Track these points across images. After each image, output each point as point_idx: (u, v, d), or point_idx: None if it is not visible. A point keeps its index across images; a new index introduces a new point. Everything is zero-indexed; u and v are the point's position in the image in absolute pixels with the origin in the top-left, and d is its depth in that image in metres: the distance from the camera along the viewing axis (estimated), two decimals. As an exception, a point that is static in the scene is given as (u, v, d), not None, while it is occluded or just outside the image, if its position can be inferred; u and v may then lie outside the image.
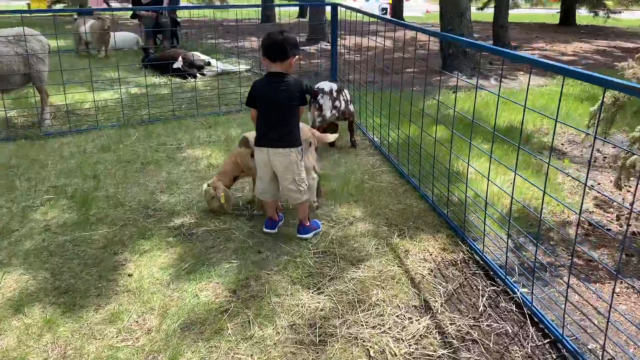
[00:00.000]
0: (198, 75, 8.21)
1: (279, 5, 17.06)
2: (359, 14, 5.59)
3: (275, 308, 2.66)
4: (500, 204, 3.84)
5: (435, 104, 6.55)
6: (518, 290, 2.80)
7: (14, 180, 4.20)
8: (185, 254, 3.16)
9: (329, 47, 6.87)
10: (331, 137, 3.88)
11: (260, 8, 17.47)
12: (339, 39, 6.73)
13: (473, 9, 20.40)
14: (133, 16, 12.45)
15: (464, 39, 3.38)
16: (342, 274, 2.97)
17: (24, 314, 2.61)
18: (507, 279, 2.90)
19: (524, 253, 3.27)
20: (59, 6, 21.06)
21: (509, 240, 3.31)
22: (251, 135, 3.47)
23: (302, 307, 2.68)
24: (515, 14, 21.94)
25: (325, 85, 4.76)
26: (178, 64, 8.08)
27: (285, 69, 3.15)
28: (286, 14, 20.23)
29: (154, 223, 3.55)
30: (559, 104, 2.44)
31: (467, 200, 3.60)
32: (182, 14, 18.37)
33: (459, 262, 3.16)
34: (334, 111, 4.73)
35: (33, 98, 5.77)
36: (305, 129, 3.55)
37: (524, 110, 2.61)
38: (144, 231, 3.42)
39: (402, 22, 4.47)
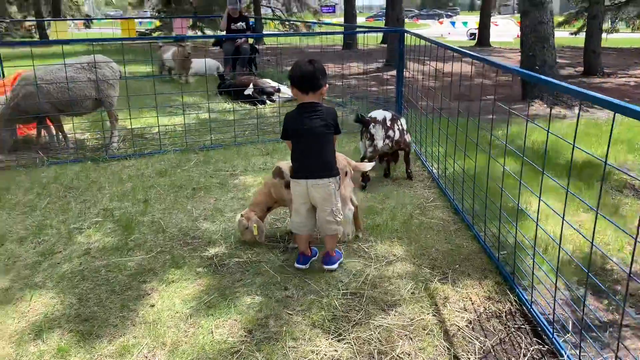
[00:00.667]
0: (267, 101, 8.30)
1: (361, 32, 17.02)
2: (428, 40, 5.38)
3: (288, 354, 2.49)
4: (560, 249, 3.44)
5: (504, 135, 6.15)
6: (565, 353, 2.44)
7: (70, 202, 4.35)
8: (212, 286, 3.07)
9: (406, 74, 6.68)
10: (368, 165, 3.68)
11: (342, 35, 17.61)
12: (407, 65, 6.54)
13: (565, 34, 19.42)
14: (215, 43, 12.99)
15: (514, 67, 3.08)
16: (368, 320, 2.75)
17: (42, 340, 2.61)
18: (555, 338, 2.55)
19: (584, 307, 2.88)
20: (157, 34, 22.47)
21: (566, 293, 2.95)
22: (285, 165, 3.38)
23: (317, 354, 2.48)
24: (614, 39, 20.61)
25: (378, 114, 4.58)
26: (249, 90, 8.22)
27: (317, 98, 3.06)
28: (371, 40, 20.26)
29: (189, 252, 3.50)
30: (608, 147, 2.11)
31: (523, 243, 3.26)
32: (268, 40, 18.94)
33: (503, 314, 2.83)
34: (387, 141, 4.52)
35: (101, 122, 6.04)
36: (341, 158, 3.40)
37: (572, 150, 2.30)
38: (177, 260, 3.38)
39: (460, 49, 4.20)
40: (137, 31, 24.51)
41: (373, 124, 4.46)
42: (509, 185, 4.64)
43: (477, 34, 22.13)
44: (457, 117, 4.44)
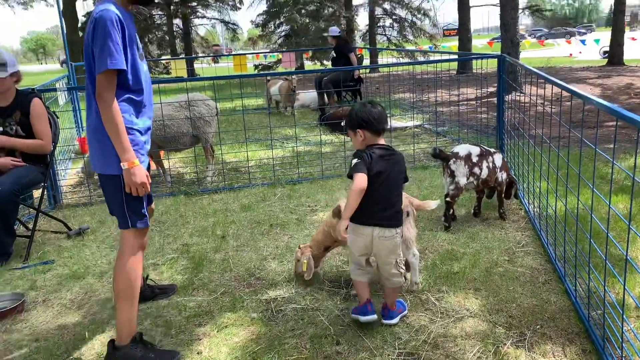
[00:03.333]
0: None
1: (458, 59, 16.29)
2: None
3: (321, 421, 2.26)
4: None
5: (627, 167, 5.42)
6: None
7: (155, 236, 4.50)
8: (262, 334, 2.94)
9: (521, 98, 6.21)
10: (432, 204, 3.37)
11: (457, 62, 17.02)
12: (515, 92, 6.07)
13: None
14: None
15: (608, 105, 2.58)
16: (420, 387, 2.44)
17: (90, 382, 2.64)
18: None
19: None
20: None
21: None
22: (344, 203, 3.21)
23: None
24: None
25: (462, 149, 4.22)
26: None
27: (384, 141, 2.95)
28: (488, 63, 19.36)
29: (249, 294, 3.42)
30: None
31: (620, 303, 2.75)
32: (383, 68, 18.90)
33: (587, 393, 2.37)
34: (471, 179, 4.15)
35: (192, 156, 6.28)
36: (402, 197, 3.16)
37: (632, 189, 1.86)
38: (236, 302, 3.31)
39: (548, 77, 3.71)
40: (259, 65, 25.82)
41: (454, 159, 4.12)
42: (619, 229, 4.05)
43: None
44: (552, 146, 3.96)
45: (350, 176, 2.79)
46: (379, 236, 2.83)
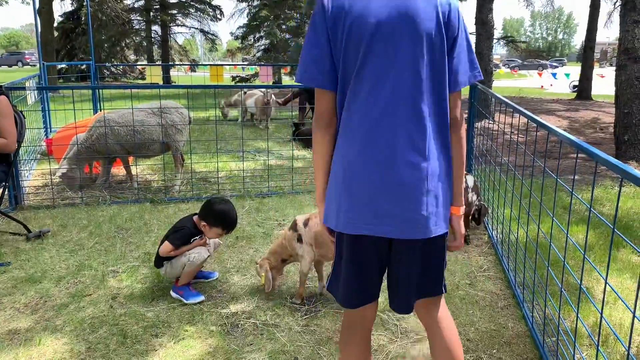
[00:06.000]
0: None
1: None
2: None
3: None
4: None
5: (588, 199, 5.58)
6: None
7: (116, 243, 4.42)
8: (219, 348, 2.90)
9: (491, 126, 6.37)
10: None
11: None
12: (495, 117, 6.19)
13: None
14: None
15: (571, 136, 2.66)
16: (375, 407, 2.44)
17: (37, 390, 2.56)
18: None
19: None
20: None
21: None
22: (301, 218, 3.32)
23: None
24: None
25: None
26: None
27: (200, 225, 3.63)
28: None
29: (209, 306, 3.38)
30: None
31: (573, 330, 2.81)
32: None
33: (538, 419, 2.41)
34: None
35: (163, 163, 6.22)
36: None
37: (612, 234, 1.92)
38: (195, 314, 3.27)
39: (516, 106, 3.81)
40: (237, 76, 25.83)
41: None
42: (577, 258, 4.15)
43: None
44: (520, 174, 4.04)
45: None
46: None
